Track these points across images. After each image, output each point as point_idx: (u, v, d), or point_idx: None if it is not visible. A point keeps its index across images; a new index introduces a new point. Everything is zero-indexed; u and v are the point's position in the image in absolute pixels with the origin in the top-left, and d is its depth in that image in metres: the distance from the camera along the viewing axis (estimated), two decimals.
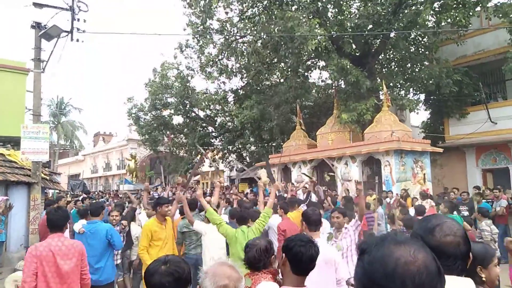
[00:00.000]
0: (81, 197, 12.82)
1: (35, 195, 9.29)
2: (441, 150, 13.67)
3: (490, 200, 10.03)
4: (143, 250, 5.10)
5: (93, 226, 5.05)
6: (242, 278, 1.71)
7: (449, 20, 12.52)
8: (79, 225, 5.60)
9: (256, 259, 2.52)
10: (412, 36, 14.29)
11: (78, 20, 10.07)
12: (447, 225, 1.40)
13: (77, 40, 10.19)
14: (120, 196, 16.25)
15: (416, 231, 1.45)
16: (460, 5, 12.41)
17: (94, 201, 10.81)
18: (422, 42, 14.65)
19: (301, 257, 2.16)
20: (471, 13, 12.28)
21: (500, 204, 9.34)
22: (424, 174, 12.86)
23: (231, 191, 13.57)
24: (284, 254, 2.25)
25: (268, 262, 2.56)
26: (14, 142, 10.84)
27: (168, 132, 22.47)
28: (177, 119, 23.63)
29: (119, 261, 6.07)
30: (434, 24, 13.67)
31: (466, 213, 9.46)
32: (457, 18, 11.86)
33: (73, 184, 25.88)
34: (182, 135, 23.53)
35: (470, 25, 13.39)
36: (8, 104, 11.98)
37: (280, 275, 2.51)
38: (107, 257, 4.95)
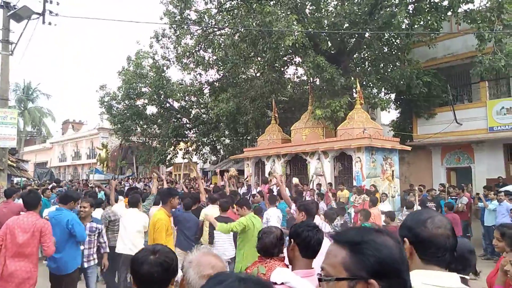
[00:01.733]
0: (50, 186, 12.47)
1: (1, 183, 9.01)
2: (409, 148, 14.18)
3: (455, 197, 10.56)
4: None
5: (57, 213, 4.93)
6: (226, 267, 1.72)
7: (422, 23, 12.96)
8: (47, 212, 5.56)
9: (273, 245, 2.67)
10: (386, 37, 14.68)
11: (51, 2, 9.77)
12: (438, 218, 1.48)
13: (49, 23, 9.89)
14: (90, 185, 15.89)
15: (407, 222, 1.52)
16: (433, 9, 12.85)
17: (68, 189, 10.55)
18: (395, 43, 15.08)
19: (309, 241, 2.31)
20: (442, 17, 12.74)
21: (461, 201, 9.84)
22: (393, 171, 13.32)
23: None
24: (292, 240, 2.37)
25: (281, 250, 2.70)
26: None
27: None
28: (151, 109, 23.32)
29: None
30: (407, 26, 14.11)
31: (433, 208, 9.95)
32: (430, 22, 12.28)
33: (40, 172, 25.08)
34: (155, 125, 23.24)
35: (441, 29, 13.91)
36: None
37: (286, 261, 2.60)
38: (68, 247, 4.75)
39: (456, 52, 14.73)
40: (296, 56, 16.79)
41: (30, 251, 4.22)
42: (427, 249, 1.41)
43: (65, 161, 37.65)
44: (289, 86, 19.96)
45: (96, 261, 5.46)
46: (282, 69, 17.95)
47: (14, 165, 10.51)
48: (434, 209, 9.67)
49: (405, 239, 1.45)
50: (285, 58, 17.39)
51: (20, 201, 6.75)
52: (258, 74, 19.92)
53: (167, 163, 24.07)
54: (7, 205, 6.63)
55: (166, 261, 1.67)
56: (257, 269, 2.67)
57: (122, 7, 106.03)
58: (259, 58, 17.43)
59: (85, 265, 5.21)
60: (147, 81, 21.13)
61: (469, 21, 12.31)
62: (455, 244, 1.45)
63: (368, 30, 13.41)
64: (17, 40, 9.65)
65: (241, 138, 19.83)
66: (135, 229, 5.51)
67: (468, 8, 12.62)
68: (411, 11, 13.47)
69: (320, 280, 1.03)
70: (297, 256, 2.35)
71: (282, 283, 2.16)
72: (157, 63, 21.07)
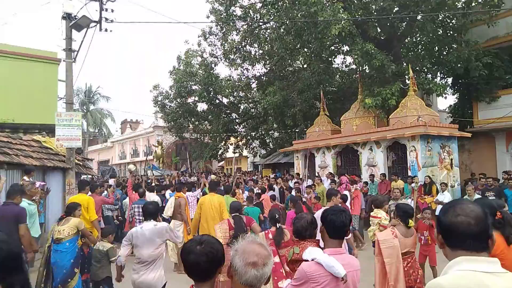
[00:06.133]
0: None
1: (70, 180, 9.78)
2: (469, 135, 13.35)
3: None
4: None
5: None
6: (270, 255, 1.78)
7: (480, 0, 12.05)
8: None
9: (304, 228, 3.01)
10: (440, 18, 13.83)
11: (106, 10, 10.37)
12: (460, 206, 1.49)
13: (105, 30, 10.51)
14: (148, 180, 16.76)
15: (438, 213, 1.59)
16: None
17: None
18: (451, 24, 14.16)
19: (333, 223, 2.54)
20: None
21: None
22: (451, 159, 12.63)
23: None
24: (322, 223, 2.65)
25: (313, 233, 3.00)
26: (49, 130, 11.38)
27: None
28: (202, 106, 23.99)
29: None
30: (463, 5, 13.20)
31: (492, 198, 9.32)
32: None
33: (103, 169, 26.83)
34: (206, 121, 23.89)
35: (503, 5, 12.86)
36: (42, 93, 12.53)
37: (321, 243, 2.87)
38: None
39: None
40: (344, 45, 16.38)
41: None
42: (449, 237, 1.47)
43: (124, 158, 39.94)
44: (337, 76, 19.56)
45: None
46: (330, 59, 17.60)
47: (81, 163, 11.36)
48: (494, 197, 9.07)
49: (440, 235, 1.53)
50: (332, 48, 17.04)
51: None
52: (305, 66, 19.73)
53: (218, 158, 24.70)
54: (4, 206, 7.64)
55: (211, 252, 1.79)
56: (292, 250, 3.00)
57: (172, 9, 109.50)
58: (305, 50, 17.25)
59: None
60: (196, 79, 21.75)
61: None
62: (479, 231, 1.43)
63: (420, 12, 12.74)
64: (79, 48, 10.38)
65: (289, 131, 19.81)
66: None
67: None
68: None
69: None
70: (326, 237, 2.60)
71: (313, 260, 2.45)
72: (206, 61, 21.60)
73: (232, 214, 5.21)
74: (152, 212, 4.41)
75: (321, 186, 11.47)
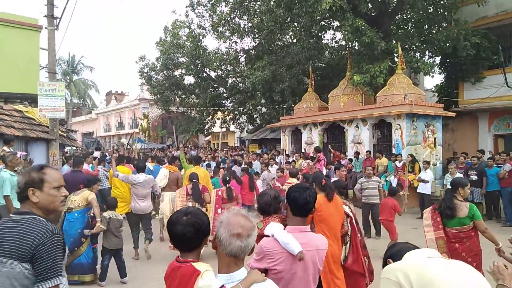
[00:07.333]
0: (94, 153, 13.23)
1: (54, 151, 9.63)
2: (453, 114, 13.55)
3: (501, 165, 10.08)
4: None
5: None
6: (255, 227, 1.83)
7: None
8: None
9: (267, 204, 2.97)
10: None
11: None
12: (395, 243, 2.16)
13: None
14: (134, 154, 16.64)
15: (387, 254, 2.10)
16: None
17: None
18: (442, 2, 14.08)
19: (296, 200, 2.53)
20: None
21: (503, 167, 9.43)
22: (435, 138, 12.86)
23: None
24: (286, 200, 2.65)
25: (278, 208, 2.98)
26: (31, 99, 11.08)
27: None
28: (189, 79, 23.64)
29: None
30: None
31: (474, 178, 9.60)
32: None
33: (87, 142, 26.44)
34: (193, 95, 23.61)
35: None
36: (22, 61, 12.07)
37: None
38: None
39: (511, 9, 13.55)
40: (334, 20, 16.16)
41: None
42: (399, 255, 1.95)
43: (109, 131, 39.44)
44: (326, 52, 19.42)
45: None
46: (319, 34, 17.40)
47: (64, 135, 11.15)
48: (476, 177, 9.34)
49: (389, 260, 2.00)
50: (323, 23, 16.82)
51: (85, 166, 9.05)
52: (294, 41, 19.48)
53: (205, 132, 24.60)
54: (74, 173, 6.94)
55: (197, 222, 1.81)
56: (257, 226, 2.95)
57: None
58: (295, 24, 16.98)
59: None
60: (184, 51, 21.30)
61: None
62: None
63: None
64: (61, 15, 9.99)
65: (277, 106, 19.75)
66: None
67: None
68: None
69: None
70: (289, 215, 2.61)
71: (273, 235, 2.48)
72: (193, 33, 21.10)
73: (192, 181, 6.52)
74: (143, 168, 7.12)
75: (299, 161, 11.83)
